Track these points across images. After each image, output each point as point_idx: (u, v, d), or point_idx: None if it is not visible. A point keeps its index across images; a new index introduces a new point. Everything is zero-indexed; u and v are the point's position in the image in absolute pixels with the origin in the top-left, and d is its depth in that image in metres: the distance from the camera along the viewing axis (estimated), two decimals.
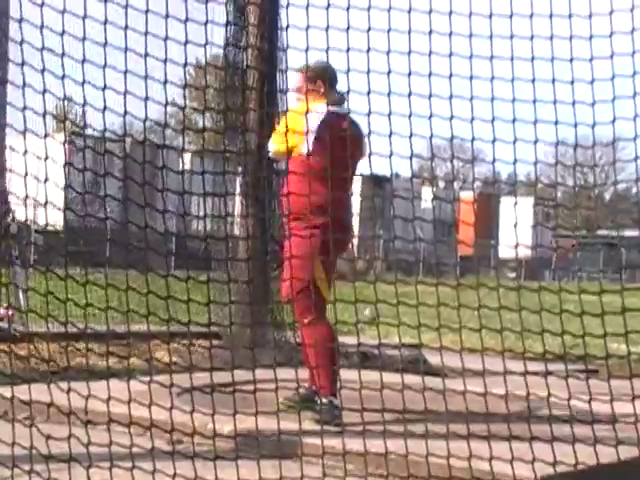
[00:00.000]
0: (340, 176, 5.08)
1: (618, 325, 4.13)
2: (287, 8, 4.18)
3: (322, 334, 5.53)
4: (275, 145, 5.81)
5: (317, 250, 5.48)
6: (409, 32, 4.08)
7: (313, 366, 5.54)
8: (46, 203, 3.78)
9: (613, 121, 4.06)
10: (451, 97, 4.09)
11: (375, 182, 31.34)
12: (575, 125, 4.13)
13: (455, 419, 4.55)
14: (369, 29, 4.06)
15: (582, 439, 4.27)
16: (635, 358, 4.45)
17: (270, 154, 6.05)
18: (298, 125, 4.99)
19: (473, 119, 4.08)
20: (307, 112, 4.56)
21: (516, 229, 4.48)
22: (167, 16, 3.91)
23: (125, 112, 3.83)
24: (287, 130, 5.16)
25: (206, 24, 4.04)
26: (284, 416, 4.24)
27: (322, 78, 5.77)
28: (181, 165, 13.55)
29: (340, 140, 4.89)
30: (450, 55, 4.09)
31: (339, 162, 4.90)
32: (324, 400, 5.56)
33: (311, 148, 5.28)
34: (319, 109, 5.53)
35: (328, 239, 5.02)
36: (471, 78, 4.06)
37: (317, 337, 5.44)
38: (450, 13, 4.11)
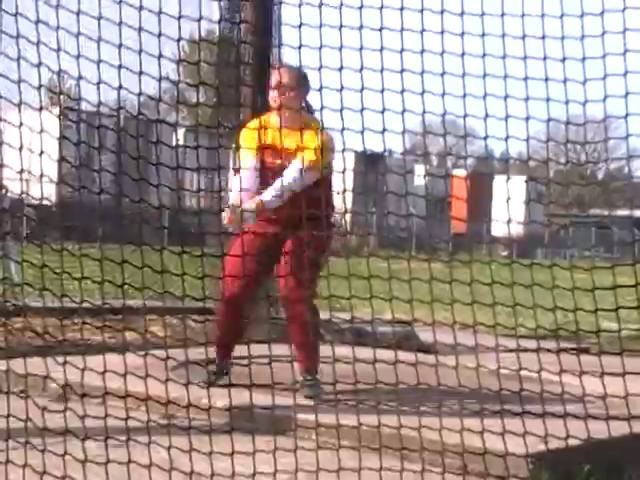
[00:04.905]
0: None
1: (608, 303, 4.16)
2: None
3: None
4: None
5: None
6: (401, 9, 4.09)
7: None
8: (42, 176, 3.78)
9: (604, 99, 4.07)
10: (443, 74, 4.10)
11: (368, 159, 31.31)
12: (566, 102, 4.15)
13: (447, 394, 4.59)
14: (361, 6, 4.07)
15: (573, 414, 4.32)
16: (625, 335, 4.49)
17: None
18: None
19: (465, 95, 4.10)
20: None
21: (508, 205, 4.50)
22: None
23: (120, 86, 3.83)
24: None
25: None
26: (278, 391, 4.26)
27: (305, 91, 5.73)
28: (175, 141, 13.51)
29: None
30: (442, 33, 4.10)
31: None
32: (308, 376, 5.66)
33: None
34: None
35: None
36: (463, 55, 4.07)
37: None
38: None
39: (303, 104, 5.66)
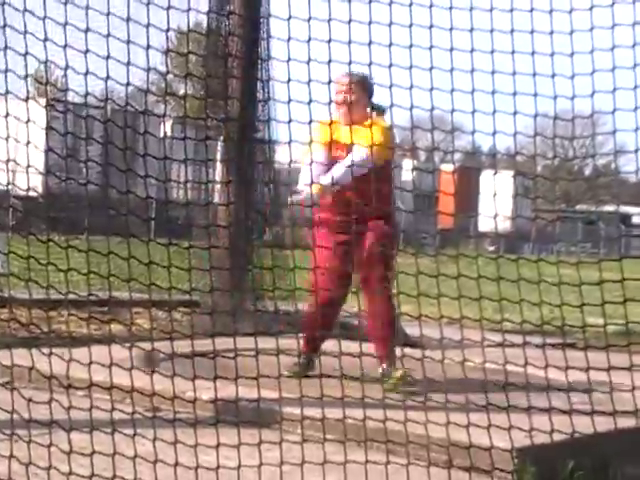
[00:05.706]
0: None
1: (594, 299, 4.17)
2: None
3: None
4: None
5: None
6: (390, 3, 4.08)
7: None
8: (28, 166, 3.76)
9: (592, 94, 4.07)
10: (431, 69, 4.10)
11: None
12: (554, 98, 4.15)
13: (433, 389, 4.59)
14: (350, 0, 4.07)
15: (558, 409, 4.33)
16: (611, 330, 4.50)
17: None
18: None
19: (453, 90, 4.10)
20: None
21: (495, 199, 4.51)
22: None
23: (107, 76, 3.81)
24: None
25: None
26: (264, 385, 4.25)
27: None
28: (162, 132, 13.49)
29: None
30: (430, 27, 4.10)
31: None
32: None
33: None
34: None
35: None
36: (451, 50, 4.06)
37: None
38: None
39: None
